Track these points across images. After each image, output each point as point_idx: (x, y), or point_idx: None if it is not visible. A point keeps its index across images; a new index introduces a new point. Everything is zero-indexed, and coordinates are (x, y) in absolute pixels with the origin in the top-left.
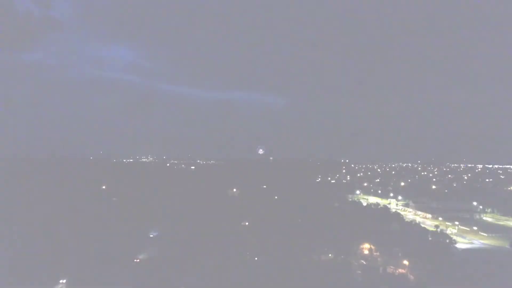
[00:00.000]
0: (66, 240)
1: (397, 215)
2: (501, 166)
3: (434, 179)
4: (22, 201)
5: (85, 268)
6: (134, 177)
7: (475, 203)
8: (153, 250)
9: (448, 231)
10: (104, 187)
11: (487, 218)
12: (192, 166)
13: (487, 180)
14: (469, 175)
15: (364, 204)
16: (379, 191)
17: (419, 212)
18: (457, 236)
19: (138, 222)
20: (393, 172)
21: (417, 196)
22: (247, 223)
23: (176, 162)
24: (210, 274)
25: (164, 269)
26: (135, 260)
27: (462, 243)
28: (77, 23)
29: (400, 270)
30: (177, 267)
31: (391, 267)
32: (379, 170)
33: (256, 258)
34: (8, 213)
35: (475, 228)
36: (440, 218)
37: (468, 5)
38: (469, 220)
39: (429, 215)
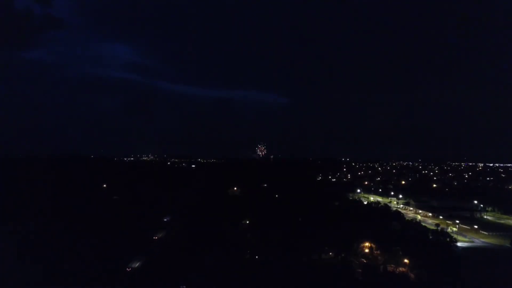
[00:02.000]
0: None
1: (397, 213)
2: (502, 165)
3: (434, 178)
4: (22, 201)
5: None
6: (136, 175)
7: (475, 202)
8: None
9: (449, 230)
10: (106, 184)
11: (488, 216)
12: (193, 164)
13: (488, 178)
14: (470, 173)
15: (365, 202)
16: (380, 190)
17: (419, 211)
18: (457, 234)
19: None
20: (394, 171)
21: (417, 195)
22: (247, 222)
23: (176, 160)
24: (210, 272)
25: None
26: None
27: (462, 242)
28: (78, 21)
29: (401, 269)
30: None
31: (392, 265)
32: (379, 168)
33: (256, 257)
34: (11, 213)
35: (475, 226)
36: (441, 217)
37: (469, 4)
38: (469, 219)
39: (429, 214)
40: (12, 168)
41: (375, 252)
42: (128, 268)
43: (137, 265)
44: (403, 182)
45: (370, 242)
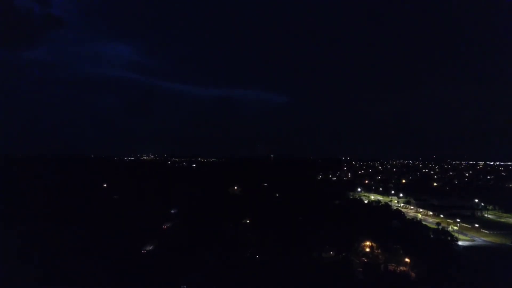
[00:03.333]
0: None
1: (398, 212)
2: (502, 163)
3: (435, 176)
4: (24, 201)
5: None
6: (139, 174)
7: (476, 200)
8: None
9: (450, 229)
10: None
11: (489, 215)
12: (193, 164)
13: (488, 177)
14: (470, 172)
15: (365, 201)
16: (380, 189)
17: (420, 210)
18: (458, 233)
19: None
20: (394, 170)
21: (418, 194)
22: (248, 221)
23: (177, 160)
24: (211, 271)
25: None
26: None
27: (463, 241)
28: (78, 20)
29: (402, 268)
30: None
31: (393, 264)
32: (380, 167)
33: (257, 256)
34: (14, 213)
35: (476, 225)
36: (442, 216)
37: (469, 3)
38: (470, 218)
39: (430, 213)
40: (12, 168)
41: (376, 251)
42: (143, 250)
43: (150, 248)
44: (404, 181)
45: (371, 241)
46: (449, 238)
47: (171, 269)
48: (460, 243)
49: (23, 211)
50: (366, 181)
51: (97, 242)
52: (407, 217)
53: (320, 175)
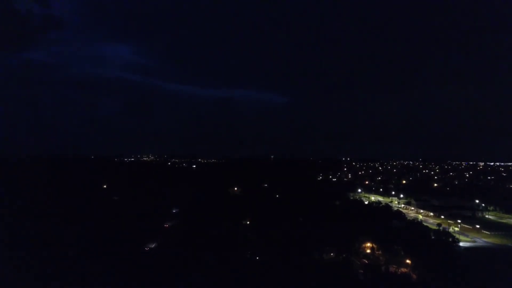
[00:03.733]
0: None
1: (398, 213)
2: (502, 164)
3: (435, 177)
4: (24, 201)
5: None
6: (139, 174)
7: (477, 201)
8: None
9: (451, 229)
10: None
11: (490, 216)
12: (193, 164)
13: (488, 177)
14: (471, 172)
15: (366, 202)
16: (381, 189)
17: (421, 210)
18: (459, 234)
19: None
20: (395, 170)
21: (418, 194)
22: (248, 222)
23: (177, 160)
24: (211, 272)
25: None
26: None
27: (465, 242)
28: (78, 21)
29: (403, 269)
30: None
31: (394, 266)
32: (380, 168)
33: (257, 257)
34: (15, 214)
35: (477, 226)
36: (442, 216)
37: (470, 3)
38: (471, 218)
39: (431, 213)
40: (12, 168)
41: (377, 252)
42: (146, 248)
43: (153, 246)
44: (404, 182)
45: (372, 242)
46: (450, 239)
47: (171, 268)
48: (461, 244)
49: (24, 211)
50: (366, 182)
51: (98, 241)
52: (408, 218)
53: (320, 175)
